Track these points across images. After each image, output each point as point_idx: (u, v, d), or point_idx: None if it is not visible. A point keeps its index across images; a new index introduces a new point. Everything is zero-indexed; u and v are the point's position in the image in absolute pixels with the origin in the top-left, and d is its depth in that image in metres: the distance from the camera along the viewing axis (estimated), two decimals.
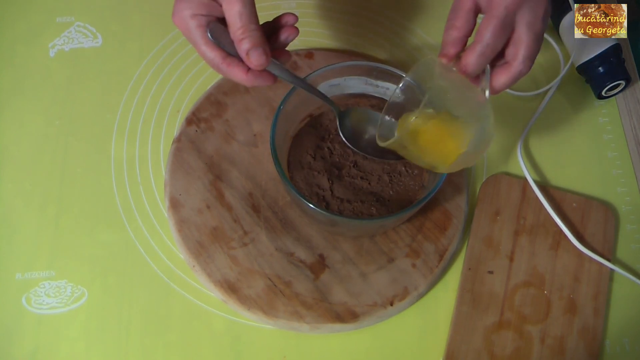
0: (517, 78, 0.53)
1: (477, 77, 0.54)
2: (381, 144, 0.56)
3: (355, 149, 0.60)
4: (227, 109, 0.70)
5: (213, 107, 0.70)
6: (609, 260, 0.65)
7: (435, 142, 0.53)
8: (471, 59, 0.51)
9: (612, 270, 0.65)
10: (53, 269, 0.62)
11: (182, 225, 0.64)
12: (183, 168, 0.66)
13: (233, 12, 0.50)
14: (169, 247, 0.64)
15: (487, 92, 0.53)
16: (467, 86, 0.53)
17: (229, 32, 0.51)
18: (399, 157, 0.59)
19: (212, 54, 0.52)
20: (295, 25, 0.54)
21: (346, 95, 0.66)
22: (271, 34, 0.55)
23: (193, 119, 0.69)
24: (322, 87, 0.63)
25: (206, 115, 0.69)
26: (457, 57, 0.53)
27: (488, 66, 0.53)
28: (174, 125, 0.70)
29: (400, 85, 0.58)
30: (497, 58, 0.53)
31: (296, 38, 0.76)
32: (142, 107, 0.71)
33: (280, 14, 0.55)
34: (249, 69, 0.52)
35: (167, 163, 0.67)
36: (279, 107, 0.59)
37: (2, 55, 0.73)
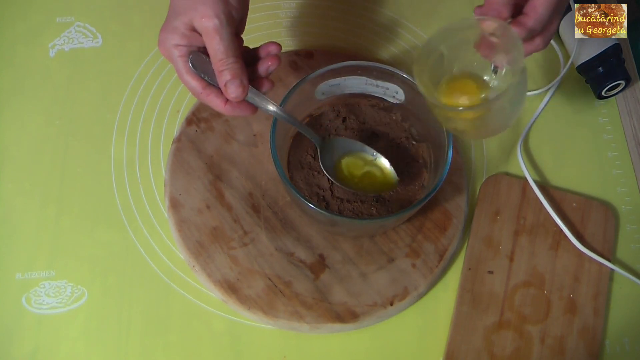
0: (534, 52, 0.55)
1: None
2: (425, 90, 0.54)
3: (335, 181, 0.61)
4: None
5: None
6: (609, 260, 0.65)
7: (473, 120, 0.54)
8: (530, 25, 0.51)
9: (612, 270, 0.65)
10: (53, 269, 0.62)
11: (182, 225, 0.64)
12: (183, 168, 0.66)
13: (212, 44, 0.51)
14: (169, 247, 0.64)
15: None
16: (512, 48, 0.53)
17: (209, 62, 0.53)
18: (377, 191, 0.62)
19: (193, 83, 0.54)
20: (278, 55, 0.56)
21: (346, 95, 0.66)
22: (255, 62, 0.56)
23: (193, 119, 0.69)
24: (322, 87, 0.63)
25: (206, 115, 0.69)
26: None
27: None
28: (174, 125, 0.70)
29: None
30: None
31: (296, 38, 0.76)
32: (142, 107, 0.71)
33: (268, 41, 0.56)
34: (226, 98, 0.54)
35: (167, 163, 0.67)
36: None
37: (2, 55, 0.73)
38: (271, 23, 0.77)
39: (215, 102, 0.54)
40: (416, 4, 0.80)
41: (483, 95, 0.54)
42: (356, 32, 0.77)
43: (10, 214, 0.65)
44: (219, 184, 0.66)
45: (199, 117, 0.69)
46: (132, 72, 0.73)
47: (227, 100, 0.54)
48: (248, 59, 0.55)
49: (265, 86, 0.56)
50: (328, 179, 0.64)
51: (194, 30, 0.52)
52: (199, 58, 0.53)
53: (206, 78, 0.53)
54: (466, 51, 0.55)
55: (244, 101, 0.54)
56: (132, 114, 0.70)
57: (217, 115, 0.69)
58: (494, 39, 0.52)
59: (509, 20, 0.52)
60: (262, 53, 0.56)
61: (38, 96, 0.71)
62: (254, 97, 0.54)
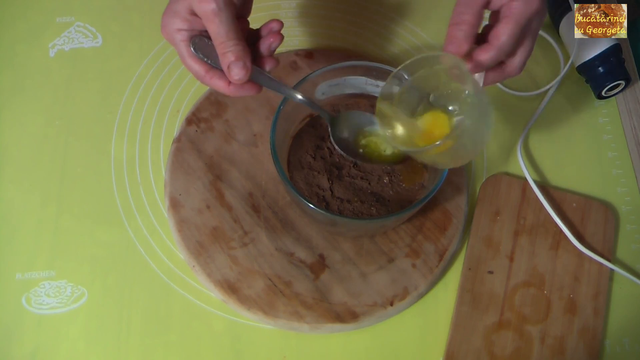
0: (508, 77, 0.55)
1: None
2: (389, 138, 0.56)
3: (348, 156, 0.60)
4: (227, 109, 0.70)
5: (213, 107, 0.70)
6: (609, 260, 0.65)
7: (430, 136, 0.54)
8: (486, 59, 0.51)
9: (612, 270, 0.65)
10: (53, 269, 0.62)
11: (182, 225, 0.64)
12: (183, 168, 0.66)
13: (212, 28, 0.51)
14: (169, 247, 0.64)
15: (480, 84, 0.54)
16: (469, 84, 0.53)
17: (212, 46, 0.52)
18: (391, 162, 0.61)
19: (196, 67, 0.53)
20: (280, 31, 0.55)
21: (346, 95, 0.66)
22: (256, 41, 0.55)
23: (193, 119, 0.69)
24: (322, 87, 0.63)
25: (206, 115, 0.69)
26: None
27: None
28: (174, 125, 0.70)
29: (395, 74, 0.56)
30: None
31: (296, 38, 0.76)
32: (142, 107, 0.71)
33: (269, 19, 0.55)
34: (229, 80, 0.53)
35: (167, 163, 0.67)
36: (279, 107, 0.59)
37: (2, 55, 0.73)
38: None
39: (218, 85, 0.53)
40: (416, 3, 0.80)
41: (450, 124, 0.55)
42: (356, 32, 0.77)
43: (10, 214, 0.65)
44: (219, 184, 0.66)
45: (199, 117, 0.69)
46: (132, 72, 0.73)
47: (229, 82, 0.53)
48: (250, 40, 0.55)
49: (269, 64, 0.55)
50: (328, 178, 0.64)
51: (194, 14, 0.52)
52: (201, 42, 0.53)
53: (209, 61, 0.53)
54: (437, 81, 0.55)
55: (249, 81, 0.53)
56: (132, 114, 0.70)
57: (217, 115, 0.69)
58: (456, 72, 0.53)
59: (474, 48, 0.52)
60: (264, 31, 0.55)
61: (38, 96, 0.71)
62: (258, 76, 0.54)
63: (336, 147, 0.59)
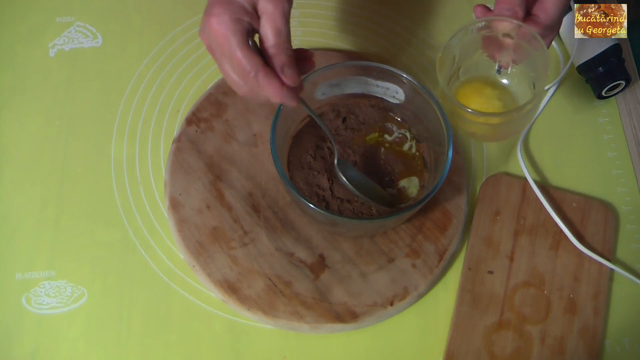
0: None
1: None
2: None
3: (355, 192, 0.61)
4: (227, 109, 0.70)
5: (213, 107, 0.70)
6: (609, 260, 0.65)
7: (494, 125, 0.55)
8: (545, 21, 0.52)
9: (612, 270, 0.65)
10: (53, 269, 0.62)
11: (182, 225, 0.64)
12: (183, 168, 0.66)
13: (276, 26, 0.50)
14: (169, 247, 0.64)
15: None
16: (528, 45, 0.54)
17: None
18: (388, 205, 0.62)
19: (251, 59, 0.49)
20: (312, 59, 0.56)
21: (346, 95, 0.66)
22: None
23: (193, 119, 0.69)
24: (322, 87, 0.63)
25: (206, 115, 0.69)
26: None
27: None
28: (174, 125, 0.70)
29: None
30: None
31: (296, 38, 0.76)
32: (142, 107, 0.71)
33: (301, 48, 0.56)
34: (281, 83, 0.51)
35: (167, 163, 0.67)
36: (279, 107, 0.59)
37: (2, 55, 0.73)
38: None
39: (272, 83, 0.49)
40: (416, 3, 0.80)
41: (501, 101, 0.55)
42: (356, 32, 0.77)
43: (10, 214, 0.65)
44: (219, 184, 0.66)
45: (199, 117, 0.69)
46: (132, 72, 0.73)
47: (283, 84, 0.50)
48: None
49: (300, 86, 0.53)
50: (328, 178, 0.64)
51: (255, 10, 0.50)
52: (252, 39, 0.51)
53: None
54: (474, 51, 0.55)
55: (296, 89, 0.52)
56: (132, 114, 0.70)
57: (217, 115, 0.69)
58: (507, 40, 0.52)
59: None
60: (300, 55, 0.55)
61: (38, 96, 0.71)
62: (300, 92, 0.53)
63: (342, 178, 0.60)
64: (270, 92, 0.50)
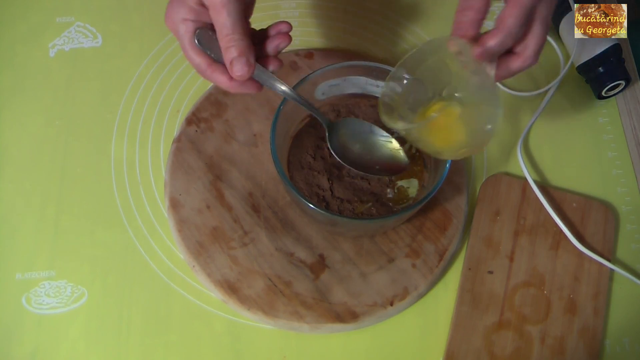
0: (524, 68, 0.53)
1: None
2: (394, 126, 0.55)
3: (343, 163, 0.60)
4: (227, 109, 0.70)
5: (213, 107, 0.70)
6: (609, 260, 0.65)
7: (447, 130, 0.54)
8: (493, 44, 0.50)
9: (612, 270, 0.65)
10: (53, 269, 0.62)
11: (182, 225, 0.64)
12: (183, 168, 0.66)
13: (219, 20, 0.50)
14: (169, 247, 0.64)
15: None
16: (477, 71, 0.53)
17: (216, 39, 0.52)
18: (387, 173, 0.61)
19: (198, 59, 0.52)
20: (289, 33, 0.55)
21: (346, 95, 0.66)
22: (263, 41, 0.55)
23: (193, 119, 0.69)
24: (322, 87, 0.63)
25: (206, 115, 0.69)
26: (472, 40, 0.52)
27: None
28: (174, 125, 0.70)
29: (402, 63, 0.55)
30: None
31: (296, 38, 0.76)
32: (142, 107, 0.71)
33: (278, 20, 0.55)
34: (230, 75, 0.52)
35: (167, 163, 0.67)
36: (279, 107, 0.59)
37: (2, 55, 0.73)
38: (271, 23, 0.76)
39: (220, 79, 0.52)
40: (416, 3, 0.80)
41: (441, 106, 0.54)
42: (356, 32, 0.77)
43: (10, 214, 0.65)
44: (219, 184, 0.66)
45: (199, 117, 0.69)
46: (132, 72, 0.73)
47: (231, 77, 0.52)
48: (256, 39, 0.54)
49: (273, 64, 0.54)
50: (328, 178, 0.64)
51: (202, 4, 0.51)
52: (205, 34, 0.52)
53: (212, 55, 0.52)
54: (442, 73, 0.54)
55: (250, 78, 0.53)
56: (132, 114, 0.70)
57: (217, 115, 0.69)
58: (462, 58, 0.52)
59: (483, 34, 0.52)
60: (272, 31, 0.55)
61: (38, 96, 0.71)
62: (261, 75, 0.53)
63: (333, 153, 0.59)
64: (221, 86, 0.53)
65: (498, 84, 0.74)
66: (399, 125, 0.55)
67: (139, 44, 0.74)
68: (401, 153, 0.61)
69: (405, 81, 0.55)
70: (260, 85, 0.54)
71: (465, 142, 0.54)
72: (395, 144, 0.61)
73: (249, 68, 0.51)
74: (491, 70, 0.52)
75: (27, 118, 0.69)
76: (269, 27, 0.55)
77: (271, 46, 0.54)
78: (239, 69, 0.51)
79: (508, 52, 0.53)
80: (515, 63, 0.53)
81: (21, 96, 0.71)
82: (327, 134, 0.59)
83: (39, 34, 0.74)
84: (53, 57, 0.73)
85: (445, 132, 0.54)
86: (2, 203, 0.65)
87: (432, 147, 0.56)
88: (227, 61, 0.51)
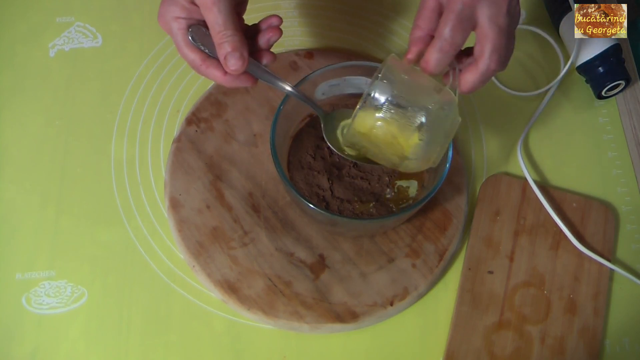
0: (486, 75, 0.52)
1: (447, 76, 0.53)
2: (342, 141, 0.57)
3: (339, 153, 0.59)
4: (227, 109, 0.70)
5: (213, 107, 0.70)
6: (609, 260, 0.65)
7: (387, 141, 0.53)
8: (431, 55, 0.51)
9: (612, 270, 0.65)
10: (53, 269, 0.62)
11: (182, 225, 0.64)
12: (183, 168, 0.66)
13: (210, 17, 0.51)
14: (169, 247, 0.64)
15: (456, 91, 0.53)
16: (430, 85, 0.53)
17: (209, 35, 0.52)
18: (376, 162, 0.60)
19: (192, 55, 0.53)
20: (279, 27, 0.55)
21: (346, 95, 0.66)
22: (255, 35, 0.55)
23: (193, 119, 0.69)
24: (322, 87, 0.63)
25: (206, 115, 0.69)
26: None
27: (457, 66, 0.53)
28: (174, 125, 0.70)
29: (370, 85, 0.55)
30: (466, 58, 0.54)
31: (296, 38, 0.76)
32: (142, 107, 0.71)
33: (268, 15, 0.56)
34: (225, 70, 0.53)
35: (167, 163, 0.67)
36: (279, 107, 0.59)
37: (2, 55, 0.73)
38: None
39: (214, 74, 0.53)
40: (416, 3, 0.79)
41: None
42: (356, 32, 0.77)
43: (10, 214, 0.65)
44: (219, 184, 0.66)
45: (199, 117, 0.69)
46: (132, 72, 0.73)
47: (225, 72, 0.53)
48: (248, 34, 0.55)
49: (266, 58, 0.55)
50: (328, 178, 0.64)
51: (193, 2, 0.52)
52: (198, 31, 0.53)
53: (207, 51, 0.53)
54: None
55: (244, 72, 0.53)
56: (132, 114, 0.70)
57: (217, 115, 0.69)
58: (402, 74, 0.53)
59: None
60: (263, 25, 0.55)
61: (38, 96, 0.71)
62: (254, 69, 0.54)
63: (328, 143, 0.59)
64: (216, 81, 0.54)
65: (498, 83, 0.74)
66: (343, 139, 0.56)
67: (139, 44, 0.74)
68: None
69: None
70: (254, 79, 0.55)
71: (405, 152, 0.54)
72: None
73: (243, 62, 0.52)
74: (455, 83, 0.52)
75: (27, 118, 0.69)
76: (260, 21, 0.56)
77: (263, 40, 0.55)
78: (233, 64, 0.52)
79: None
80: (473, 70, 0.52)
81: (21, 96, 0.71)
82: (322, 125, 0.59)
83: (39, 34, 0.74)
84: (53, 57, 0.73)
85: (382, 142, 0.54)
86: (2, 203, 0.65)
87: (379, 157, 0.56)
88: (221, 56, 0.52)
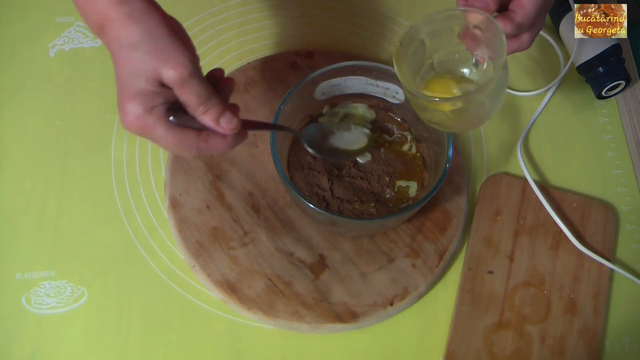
0: (515, 52, 0.54)
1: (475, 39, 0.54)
2: (400, 77, 0.54)
3: (319, 155, 0.61)
4: None
5: None
6: (609, 260, 0.65)
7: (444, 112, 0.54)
8: (509, 29, 0.51)
9: (612, 270, 0.65)
10: (53, 269, 0.62)
11: (182, 225, 0.64)
12: (183, 168, 0.66)
13: (192, 90, 0.47)
14: (169, 247, 0.64)
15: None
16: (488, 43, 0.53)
17: (187, 114, 0.48)
18: (356, 155, 0.63)
19: (187, 137, 0.48)
20: (225, 75, 0.52)
21: (346, 95, 0.66)
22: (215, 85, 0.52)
23: None
24: (322, 87, 0.63)
25: None
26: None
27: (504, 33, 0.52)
28: None
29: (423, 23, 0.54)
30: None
31: (296, 38, 0.76)
32: None
33: (211, 69, 0.52)
34: (224, 135, 0.50)
35: (167, 163, 0.67)
36: (279, 107, 0.59)
37: (2, 55, 0.73)
38: (272, 23, 0.77)
39: (215, 142, 0.49)
40: (416, 3, 0.80)
41: (460, 89, 0.54)
42: (356, 32, 0.77)
43: (10, 214, 0.65)
44: (219, 184, 0.66)
45: None
46: None
47: (224, 136, 0.50)
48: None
49: (230, 88, 0.52)
50: (328, 178, 0.64)
51: (162, 85, 0.47)
52: (177, 114, 0.48)
53: (191, 126, 0.49)
54: (448, 41, 0.54)
55: (241, 131, 0.51)
56: None
57: None
58: (478, 32, 0.52)
59: (495, 15, 0.51)
60: (216, 77, 0.52)
61: (38, 96, 0.71)
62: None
63: (309, 149, 0.60)
64: (219, 149, 0.50)
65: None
66: (405, 81, 0.54)
67: None
68: (365, 131, 0.65)
69: (414, 40, 0.54)
70: (246, 131, 0.52)
71: (465, 121, 0.55)
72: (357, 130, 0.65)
73: (237, 119, 0.49)
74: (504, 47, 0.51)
75: (27, 118, 0.69)
76: (207, 74, 0.51)
77: (225, 92, 0.51)
78: (228, 123, 0.49)
79: None
80: (514, 45, 0.53)
81: (21, 96, 0.71)
82: (304, 143, 0.60)
83: (39, 34, 0.74)
84: (53, 57, 0.73)
85: (447, 113, 0.54)
86: (2, 203, 0.65)
87: (429, 118, 0.56)
88: (212, 122, 0.48)
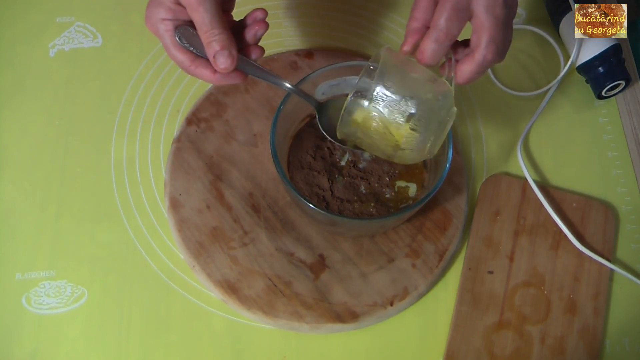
0: (483, 65, 0.52)
1: (443, 67, 0.54)
2: (338, 133, 0.56)
3: (336, 142, 0.59)
4: (227, 109, 0.70)
5: (213, 107, 0.70)
6: (609, 260, 0.65)
7: (380, 132, 0.53)
8: (426, 45, 0.51)
9: (612, 270, 0.65)
10: (53, 269, 0.62)
11: (182, 225, 0.64)
12: (183, 168, 0.66)
13: (197, 17, 0.51)
14: (169, 247, 0.64)
15: (452, 82, 0.53)
16: (425, 76, 0.53)
17: (197, 35, 0.52)
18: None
19: (181, 56, 0.53)
20: (265, 20, 0.55)
21: (346, 95, 0.66)
22: (242, 31, 0.55)
23: (193, 119, 0.69)
24: (322, 87, 0.63)
25: (206, 115, 0.69)
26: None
27: (453, 57, 0.53)
28: (174, 125, 0.70)
29: (360, 76, 0.56)
30: (463, 49, 0.54)
31: (296, 38, 0.76)
32: (142, 107, 0.71)
33: (254, 9, 0.55)
34: (214, 69, 0.53)
35: (167, 163, 0.67)
36: (279, 107, 0.59)
37: (2, 55, 0.73)
38: (271, 23, 0.76)
39: (204, 74, 0.53)
40: None
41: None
42: (356, 32, 0.77)
43: (10, 214, 0.65)
44: (219, 184, 0.66)
45: (199, 117, 0.69)
46: (132, 72, 0.73)
47: (215, 70, 0.53)
48: (236, 30, 0.55)
49: (255, 53, 0.55)
50: (328, 178, 0.64)
51: (179, 3, 0.52)
52: (186, 32, 0.53)
53: (195, 51, 0.53)
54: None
55: (234, 69, 0.53)
56: (132, 114, 0.70)
57: (217, 115, 0.69)
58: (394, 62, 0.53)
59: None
60: (249, 20, 0.55)
61: (38, 96, 0.71)
62: (244, 65, 0.54)
63: (323, 132, 0.59)
64: (206, 80, 0.54)
65: (498, 83, 0.74)
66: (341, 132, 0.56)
67: (139, 44, 0.74)
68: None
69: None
70: (245, 75, 0.55)
71: (398, 143, 0.54)
72: None
73: (232, 60, 0.52)
74: (451, 74, 0.52)
75: (27, 118, 0.69)
76: (246, 16, 0.55)
77: (249, 35, 0.55)
78: (223, 62, 0.52)
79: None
80: (469, 61, 0.52)
81: (21, 96, 0.71)
82: (317, 116, 0.59)
83: (39, 34, 0.74)
84: (53, 57, 0.73)
85: (375, 134, 0.54)
86: (2, 203, 0.65)
87: (374, 149, 0.56)
88: (210, 56, 0.52)
